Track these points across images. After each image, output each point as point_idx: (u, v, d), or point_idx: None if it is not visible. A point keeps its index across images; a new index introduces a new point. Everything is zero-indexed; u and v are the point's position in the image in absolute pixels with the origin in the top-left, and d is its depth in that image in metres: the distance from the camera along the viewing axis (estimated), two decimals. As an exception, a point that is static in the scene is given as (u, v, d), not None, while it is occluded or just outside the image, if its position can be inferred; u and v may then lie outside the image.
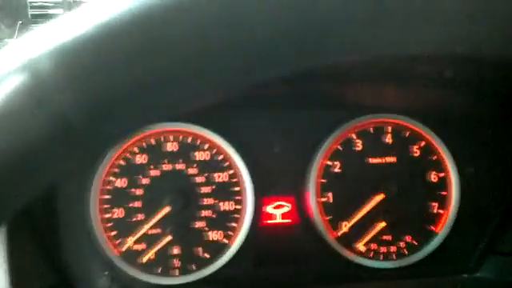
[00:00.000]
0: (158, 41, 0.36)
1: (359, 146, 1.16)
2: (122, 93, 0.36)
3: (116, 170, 1.11)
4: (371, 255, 1.16)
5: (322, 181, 1.16)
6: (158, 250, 1.11)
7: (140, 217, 1.11)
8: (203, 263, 1.13)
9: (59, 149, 0.38)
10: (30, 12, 1.34)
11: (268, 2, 0.38)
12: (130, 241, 1.11)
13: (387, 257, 1.17)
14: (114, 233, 1.11)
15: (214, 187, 1.14)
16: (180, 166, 1.13)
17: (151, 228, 1.11)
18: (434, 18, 0.42)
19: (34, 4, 1.36)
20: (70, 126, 0.36)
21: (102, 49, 0.36)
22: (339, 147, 1.16)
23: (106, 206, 1.11)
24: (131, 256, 1.11)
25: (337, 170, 1.16)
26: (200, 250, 1.14)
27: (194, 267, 1.13)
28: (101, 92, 0.36)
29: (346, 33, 0.40)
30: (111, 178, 1.11)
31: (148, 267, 1.12)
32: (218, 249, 1.14)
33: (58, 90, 0.36)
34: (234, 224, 1.14)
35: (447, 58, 0.77)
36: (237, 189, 1.15)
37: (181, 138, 1.13)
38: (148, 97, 0.37)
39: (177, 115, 1.12)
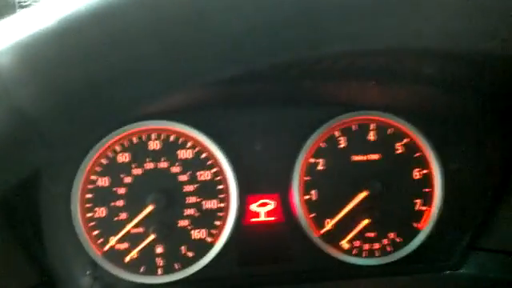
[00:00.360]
0: (118, 36, 0.35)
1: (343, 143, 1.16)
2: (82, 88, 0.36)
3: (98, 169, 1.10)
4: (355, 252, 1.17)
5: (306, 178, 1.16)
6: (142, 249, 1.11)
7: (123, 216, 1.10)
8: (187, 262, 1.13)
9: (23, 142, 0.38)
10: (19, 12, 1.33)
11: None
12: (113, 240, 1.10)
13: (371, 254, 1.17)
14: (96, 232, 1.10)
15: (197, 185, 1.13)
16: (163, 165, 1.12)
17: (134, 227, 1.10)
18: (412, 13, 0.42)
19: (23, 4, 1.35)
20: (31, 121, 0.36)
21: (62, 44, 0.35)
22: (323, 145, 1.16)
23: (88, 205, 1.10)
24: (114, 255, 1.10)
25: (321, 167, 1.16)
26: (184, 248, 1.13)
27: (177, 266, 1.13)
28: (61, 88, 0.36)
29: (325, 27, 0.40)
30: (93, 177, 1.10)
31: (131, 266, 1.11)
32: (201, 247, 1.14)
33: (18, 85, 0.35)
34: (218, 222, 1.14)
35: (425, 54, 0.77)
36: (221, 187, 1.14)
37: (163, 136, 1.12)
38: (109, 94, 0.37)
39: (160, 113, 1.12)
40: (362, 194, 1.14)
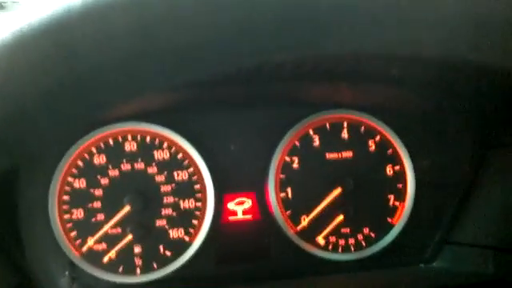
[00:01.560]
0: (67, 48, 0.37)
1: (316, 141, 1.19)
2: (34, 100, 0.37)
3: (75, 171, 1.11)
4: (330, 248, 1.19)
5: (282, 176, 1.18)
6: (120, 250, 1.12)
7: (100, 217, 1.11)
8: (165, 261, 1.14)
9: None
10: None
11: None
12: (91, 241, 1.11)
13: (346, 249, 1.19)
14: (74, 233, 1.11)
15: (174, 186, 1.15)
16: (139, 166, 1.13)
17: (112, 228, 1.11)
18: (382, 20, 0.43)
19: (3, 4, 1.35)
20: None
21: (14, 57, 0.37)
22: (297, 143, 1.18)
23: (65, 207, 1.11)
24: (92, 256, 1.12)
25: (295, 165, 1.18)
26: (162, 248, 1.15)
27: (155, 266, 1.14)
28: (15, 100, 0.37)
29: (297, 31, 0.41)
30: (70, 179, 1.11)
31: (110, 267, 1.12)
32: (179, 247, 1.15)
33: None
34: (195, 221, 1.16)
35: (393, 59, 0.79)
36: (197, 187, 1.16)
37: (139, 137, 1.14)
38: (61, 104, 0.38)
39: (136, 114, 1.13)
40: (337, 191, 1.17)
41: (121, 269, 1.13)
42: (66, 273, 1.10)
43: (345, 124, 1.19)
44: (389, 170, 1.20)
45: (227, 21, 0.38)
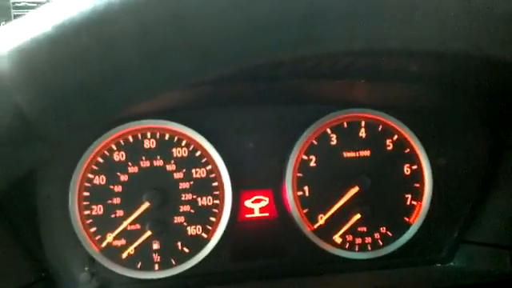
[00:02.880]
0: (105, 42, 0.38)
1: (334, 140, 1.19)
2: (73, 92, 0.38)
3: (95, 168, 1.13)
4: (347, 246, 1.19)
5: (299, 175, 1.19)
6: (138, 246, 1.13)
7: (119, 213, 1.13)
8: (183, 258, 1.15)
9: (21, 143, 0.40)
10: (14, 12, 1.35)
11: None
12: (110, 237, 1.12)
13: (363, 248, 1.20)
14: (93, 229, 1.13)
15: (192, 183, 1.16)
16: (158, 163, 1.15)
17: (131, 224, 1.13)
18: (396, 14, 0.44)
19: (18, 5, 1.37)
20: (28, 123, 0.38)
21: (55, 49, 0.38)
22: (315, 142, 1.19)
23: (85, 203, 1.12)
24: (111, 252, 1.13)
25: (313, 164, 1.19)
26: (179, 244, 1.16)
27: (173, 262, 1.15)
28: (55, 91, 0.38)
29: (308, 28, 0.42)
30: (90, 176, 1.13)
31: (128, 262, 1.14)
32: (197, 243, 1.16)
33: (16, 88, 0.38)
34: (212, 219, 1.17)
35: (411, 55, 0.79)
36: (215, 184, 1.17)
37: (158, 134, 1.15)
38: (98, 96, 0.39)
39: (155, 112, 1.15)
40: (354, 190, 1.17)
41: (139, 265, 1.14)
42: (86, 268, 1.11)
43: (362, 123, 1.20)
44: (406, 170, 1.20)
45: (251, 15, 0.39)
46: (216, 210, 1.17)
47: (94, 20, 0.38)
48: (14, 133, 0.39)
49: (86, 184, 1.12)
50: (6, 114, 0.38)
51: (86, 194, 1.12)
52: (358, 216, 1.18)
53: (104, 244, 1.13)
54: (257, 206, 1.20)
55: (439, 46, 0.45)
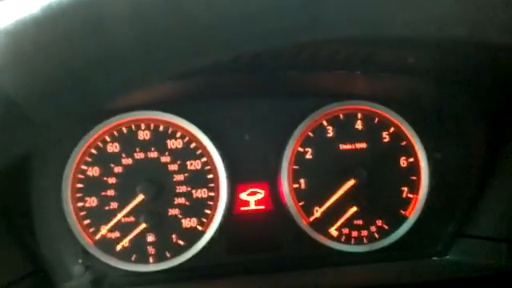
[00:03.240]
0: (94, 24, 0.36)
1: (330, 132, 1.18)
2: (60, 74, 0.37)
3: (88, 159, 1.11)
4: (343, 239, 1.19)
5: (295, 167, 1.18)
6: (133, 238, 1.12)
7: (113, 205, 1.12)
8: (178, 250, 1.15)
9: (11, 128, 0.39)
10: None
11: None
12: (104, 229, 1.11)
13: (359, 241, 1.19)
14: (87, 221, 1.11)
15: (187, 175, 1.15)
16: (152, 155, 1.13)
17: (125, 216, 1.12)
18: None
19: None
20: (16, 105, 0.37)
21: (42, 31, 0.37)
22: (311, 134, 1.18)
23: (79, 195, 1.11)
24: (106, 244, 1.12)
25: (309, 156, 1.18)
26: (175, 237, 1.15)
27: (168, 254, 1.14)
28: (42, 74, 0.37)
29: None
30: (83, 167, 1.11)
31: (123, 255, 1.13)
32: (192, 236, 1.15)
33: (1, 71, 0.37)
34: (208, 211, 1.16)
35: (410, 42, 0.78)
36: (210, 176, 1.16)
37: (152, 126, 1.14)
38: (86, 80, 0.38)
39: (149, 103, 1.13)
40: (350, 182, 1.16)
41: (134, 257, 1.13)
42: (80, 261, 1.10)
43: (359, 115, 1.19)
44: (403, 162, 1.20)
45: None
46: (211, 203, 1.16)
47: (82, 1, 0.37)
48: (2, 117, 0.38)
49: (80, 176, 1.11)
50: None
51: (79, 185, 1.11)
52: (355, 209, 1.17)
53: (98, 236, 1.12)
54: (252, 198, 1.19)
55: (438, 31, 0.44)
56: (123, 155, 1.12)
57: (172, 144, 1.14)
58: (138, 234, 1.12)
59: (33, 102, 0.38)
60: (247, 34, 0.42)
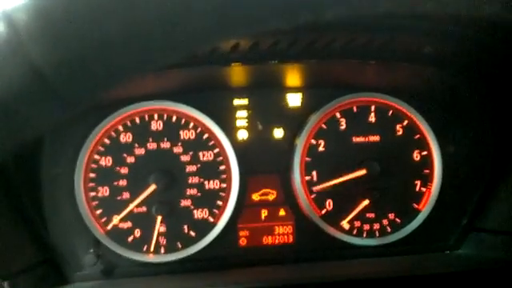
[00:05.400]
0: None
1: (343, 124, 1.17)
2: (91, 48, 0.37)
3: (101, 149, 1.11)
4: (355, 233, 1.18)
5: (307, 159, 1.17)
6: (144, 228, 1.12)
7: (126, 195, 1.11)
8: (189, 241, 1.14)
9: (36, 101, 0.38)
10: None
11: None
12: (116, 219, 1.11)
13: (371, 234, 1.18)
14: (99, 211, 1.11)
15: (199, 166, 1.14)
16: (165, 145, 1.13)
17: (137, 206, 1.11)
18: None
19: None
20: (43, 77, 0.36)
21: (73, 4, 0.36)
22: (324, 126, 1.17)
23: (91, 185, 1.11)
24: (117, 234, 1.12)
25: (321, 148, 1.17)
26: (186, 228, 1.14)
27: (179, 245, 1.14)
28: (72, 44, 0.36)
29: None
30: (96, 157, 1.11)
31: (134, 245, 1.12)
32: (204, 227, 1.15)
33: (31, 41, 0.36)
34: (219, 202, 1.15)
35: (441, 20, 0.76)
36: (222, 167, 1.15)
37: (165, 116, 1.13)
38: (118, 54, 0.38)
39: (162, 93, 1.13)
40: (361, 171, 1.15)
41: (145, 247, 1.13)
42: (91, 250, 1.10)
43: (372, 107, 1.18)
44: (416, 155, 1.19)
45: None
46: (223, 194, 1.15)
47: None
48: (28, 90, 0.38)
49: (92, 165, 1.11)
50: (20, 70, 0.37)
51: (92, 175, 1.11)
52: (367, 202, 1.17)
53: (110, 226, 1.11)
54: (264, 190, 1.18)
55: (469, 9, 0.44)
56: (136, 145, 1.12)
57: (185, 135, 1.14)
58: (149, 225, 1.12)
59: (60, 73, 0.37)
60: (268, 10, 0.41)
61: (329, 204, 1.18)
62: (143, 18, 0.38)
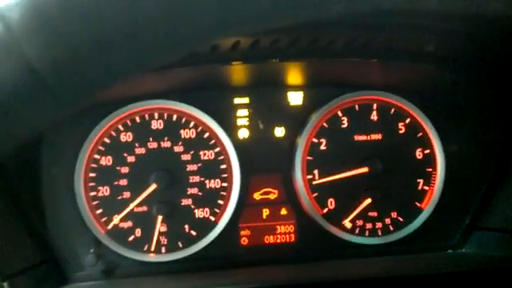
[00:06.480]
0: None
1: (345, 123, 1.17)
2: (85, 47, 0.36)
3: (101, 148, 1.11)
4: (357, 231, 1.17)
5: (309, 158, 1.16)
6: (145, 228, 1.12)
7: (126, 195, 1.11)
8: (190, 240, 1.14)
9: (30, 99, 0.38)
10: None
11: None
12: (117, 218, 1.11)
13: (373, 233, 1.17)
14: (100, 211, 1.11)
15: (200, 165, 1.14)
16: (166, 144, 1.12)
17: (138, 206, 1.11)
18: None
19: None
20: (37, 75, 0.36)
21: (67, 2, 0.36)
22: (325, 125, 1.16)
23: (91, 184, 1.11)
24: (118, 234, 1.11)
25: (323, 147, 1.17)
26: (187, 227, 1.14)
27: (180, 245, 1.13)
28: (66, 41, 0.36)
29: None
30: (97, 156, 1.11)
31: (135, 245, 1.12)
32: (205, 226, 1.14)
33: (25, 39, 0.36)
34: (220, 201, 1.15)
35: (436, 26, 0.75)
36: (223, 166, 1.15)
37: (166, 115, 1.13)
38: (113, 52, 0.37)
39: (162, 92, 1.12)
40: (363, 169, 1.15)
41: (146, 247, 1.12)
42: (91, 250, 1.09)
43: (374, 106, 1.17)
44: (418, 154, 1.18)
45: None
46: (224, 193, 1.15)
47: None
48: (23, 88, 0.37)
49: (93, 165, 1.10)
50: (15, 67, 0.36)
51: (92, 174, 1.10)
52: (369, 200, 1.16)
53: (110, 226, 1.11)
54: (265, 189, 1.18)
55: (472, 6, 0.43)
56: (136, 144, 1.12)
57: (185, 133, 1.13)
58: (150, 224, 1.11)
59: (55, 70, 0.37)
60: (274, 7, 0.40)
61: (331, 203, 1.17)
62: (139, 15, 0.37)
